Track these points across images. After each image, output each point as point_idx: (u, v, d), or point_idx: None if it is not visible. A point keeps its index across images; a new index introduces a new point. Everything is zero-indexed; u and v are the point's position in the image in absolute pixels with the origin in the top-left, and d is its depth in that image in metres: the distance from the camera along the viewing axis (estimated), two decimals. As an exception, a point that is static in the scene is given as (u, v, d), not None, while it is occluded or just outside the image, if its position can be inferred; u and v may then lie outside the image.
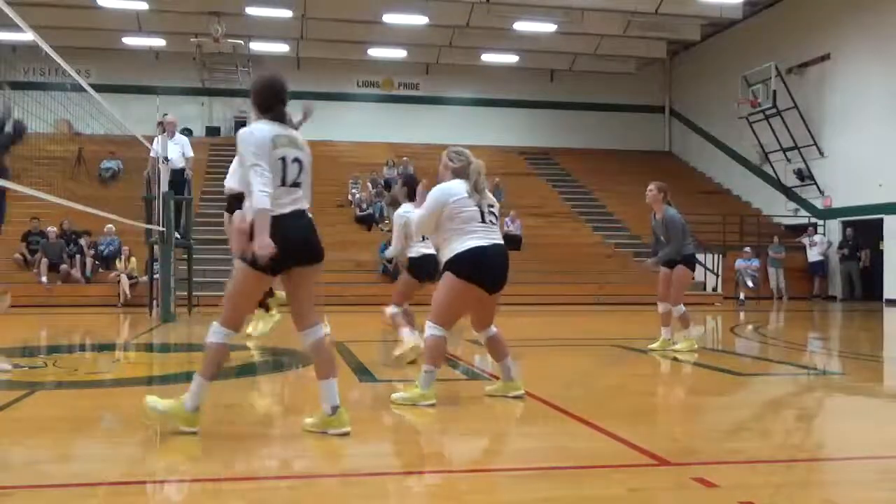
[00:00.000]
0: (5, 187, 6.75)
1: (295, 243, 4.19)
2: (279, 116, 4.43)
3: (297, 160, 4.30)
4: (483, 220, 5.10)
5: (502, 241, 5.20)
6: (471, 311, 5.33)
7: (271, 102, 4.47)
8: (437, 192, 5.17)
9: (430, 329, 5.11)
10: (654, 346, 8.32)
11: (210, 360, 4.41)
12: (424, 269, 7.06)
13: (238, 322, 4.42)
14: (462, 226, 5.05)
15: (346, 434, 4.23)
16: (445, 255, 5.15)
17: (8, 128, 7.08)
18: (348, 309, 14.99)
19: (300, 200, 4.27)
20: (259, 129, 4.30)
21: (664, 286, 8.42)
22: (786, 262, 21.16)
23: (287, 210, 4.18)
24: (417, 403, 5.07)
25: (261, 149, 4.17)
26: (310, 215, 4.33)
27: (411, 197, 6.64)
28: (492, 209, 5.17)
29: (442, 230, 5.11)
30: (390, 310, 7.29)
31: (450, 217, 5.04)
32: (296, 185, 4.26)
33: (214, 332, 4.38)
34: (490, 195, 5.26)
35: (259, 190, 4.05)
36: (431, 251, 6.80)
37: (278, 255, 4.03)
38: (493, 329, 5.41)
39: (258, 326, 8.80)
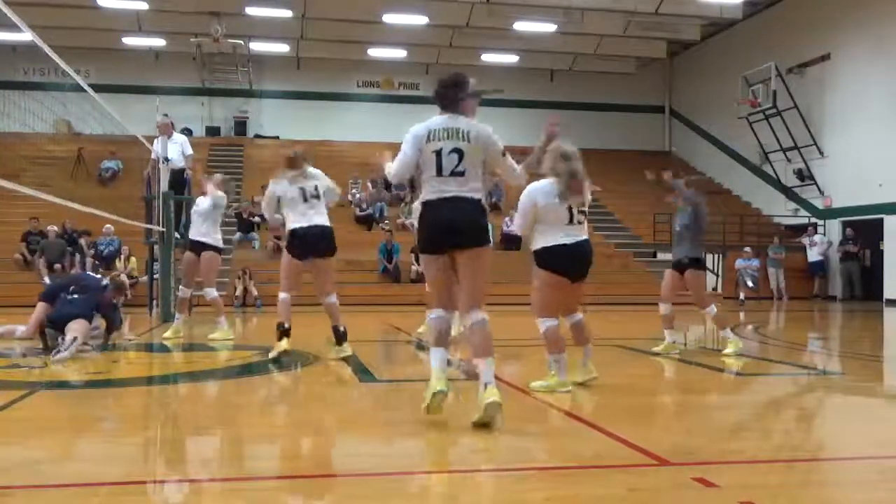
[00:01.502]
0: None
1: (434, 227, 4.63)
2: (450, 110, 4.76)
3: (456, 150, 4.61)
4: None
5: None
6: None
7: (446, 102, 4.80)
8: (525, 194, 5.78)
9: (541, 324, 5.64)
10: (659, 349, 8.17)
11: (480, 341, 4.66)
12: None
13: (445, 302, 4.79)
14: (548, 224, 5.69)
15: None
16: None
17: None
18: (348, 309, 14.94)
19: (454, 188, 4.60)
20: (420, 125, 4.79)
21: (671, 288, 8.21)
22: (786, 262, 21.15)
23: (433, 197, 4.63)
24: (556, 390, 5.52)
25: (414, 140, 4.74)
26: (472, 197, 4.61)
27: None
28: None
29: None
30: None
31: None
32: (455, 174, 4.59)
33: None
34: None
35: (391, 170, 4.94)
36: None
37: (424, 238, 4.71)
38: (578, 315, 5.92)
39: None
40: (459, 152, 4.60)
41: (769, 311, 17.29)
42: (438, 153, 4.61)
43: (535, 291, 5.79)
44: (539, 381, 5.74)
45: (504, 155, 4.89)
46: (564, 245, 5.64)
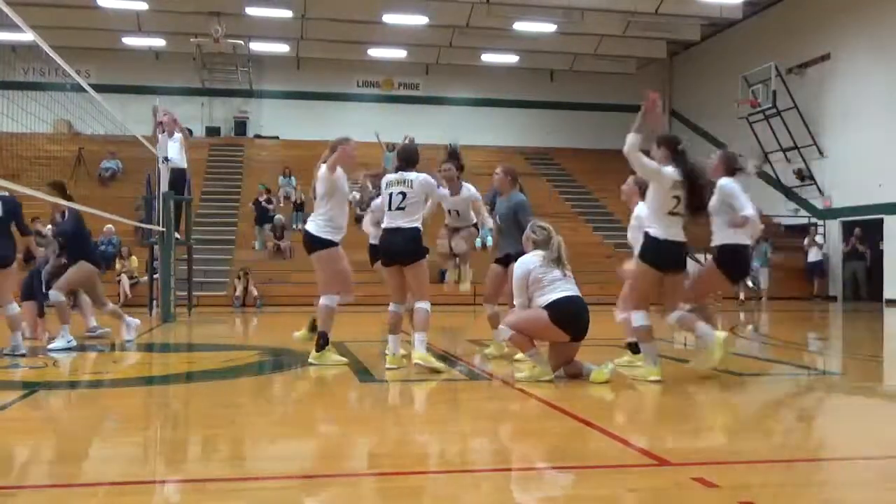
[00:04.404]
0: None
1: (387, 250, 6.67)
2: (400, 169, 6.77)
3: (401, 193, 6.58)
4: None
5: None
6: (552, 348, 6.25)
7: (400, 166, 6.79)
8: (518, 266, 6.16)
9: (506, 333, 6.15)
10: (490, 350, 7.70)
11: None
12: None
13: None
14: (546, 285, 6.02)
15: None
16: (539, 304, 6.02)
17: None
18: (348, 309, 14.94)
19: (397, 220, 6.59)
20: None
21: (498, 285, 7.69)
22: (784, 262, 21.12)
23: (386, 226, 6.66)
24: (540, 379, 5.97)
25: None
26: (408, 226, 6.55)
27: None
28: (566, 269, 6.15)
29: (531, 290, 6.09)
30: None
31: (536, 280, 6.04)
32: (399, 209, 6.57)
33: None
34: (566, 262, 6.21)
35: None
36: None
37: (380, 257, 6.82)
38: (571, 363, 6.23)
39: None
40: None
41: (769, 311, 17.28)
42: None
43: (531, 320, 6.00)
44: (522, 372, 6.11)
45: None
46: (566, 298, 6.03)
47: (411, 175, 6.66)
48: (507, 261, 7.35)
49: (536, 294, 6.02)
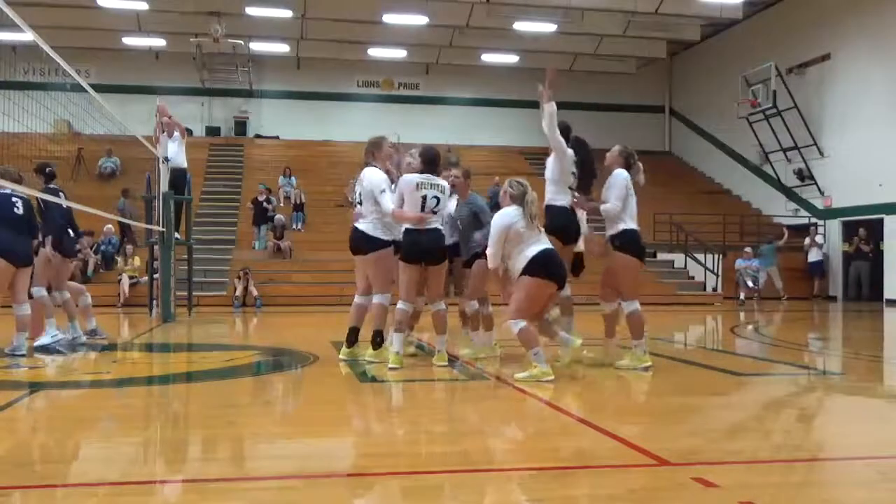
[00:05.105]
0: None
1: (419, 249, 6.63)
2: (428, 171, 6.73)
3: (435, 197, 6.60)
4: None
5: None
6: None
7: (425, 169, 6.74)
8: (500, 217, 6.18)
9: (514, 326, 6.04)
10: (467, 351, 7.53)
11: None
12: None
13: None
14: (526, 240, 6.11)
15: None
16: (520, 262, 6.08)
17: None
18: (348, 309, 14.96)
19: (434, 221, 6.63)
20: (410, 176, 6.70)
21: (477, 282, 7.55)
22: (784, 262, 21.11)
23: (421, 226, 6.59)
24: (540, 380, 5.89)
25: (406, 187, 6.62)
26: (440, 228, 6.72)
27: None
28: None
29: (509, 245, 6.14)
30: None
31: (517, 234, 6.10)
32: (433, 212, 6.59)
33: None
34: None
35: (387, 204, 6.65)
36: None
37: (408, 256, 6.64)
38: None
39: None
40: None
41: (769, 311, 17.28)
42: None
43: (525, 296, 6.07)
44: (523, 372, 6.07)
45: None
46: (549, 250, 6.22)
47: (439, 180, 6.81)
48: (472, 261, 7.47)
49: (517, 249, 6.10)
